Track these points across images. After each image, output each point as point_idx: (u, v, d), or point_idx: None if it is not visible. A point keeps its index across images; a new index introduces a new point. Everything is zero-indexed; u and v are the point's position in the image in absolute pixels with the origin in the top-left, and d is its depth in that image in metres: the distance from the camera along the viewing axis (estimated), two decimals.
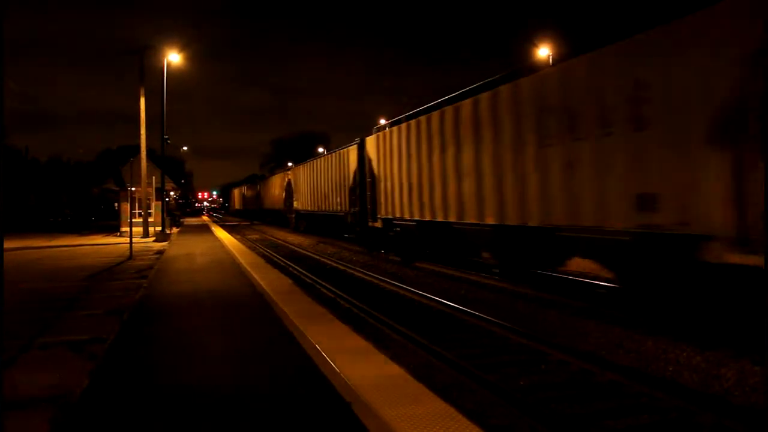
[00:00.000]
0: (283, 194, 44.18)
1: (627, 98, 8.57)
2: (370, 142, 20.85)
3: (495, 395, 6.14)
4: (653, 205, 8.13)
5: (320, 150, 68.69)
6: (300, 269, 18.05)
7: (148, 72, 34.29)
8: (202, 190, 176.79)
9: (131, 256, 18.15)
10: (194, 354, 6.33)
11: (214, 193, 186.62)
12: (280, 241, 31.93)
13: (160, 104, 31.69)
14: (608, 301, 10.51)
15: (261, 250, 25.83)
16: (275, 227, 46.94)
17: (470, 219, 13.26)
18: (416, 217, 16.35)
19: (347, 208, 24.51)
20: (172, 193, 45.68)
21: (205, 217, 78.45)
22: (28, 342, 7.10)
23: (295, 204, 39.18)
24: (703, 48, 7.37)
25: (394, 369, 5.32)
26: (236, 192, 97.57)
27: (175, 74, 73.48)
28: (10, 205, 47.25)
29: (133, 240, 19.59)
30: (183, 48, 30.82)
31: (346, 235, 26.44)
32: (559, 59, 15.28)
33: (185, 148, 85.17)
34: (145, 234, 28.73)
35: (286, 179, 42.87)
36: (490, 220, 12.42)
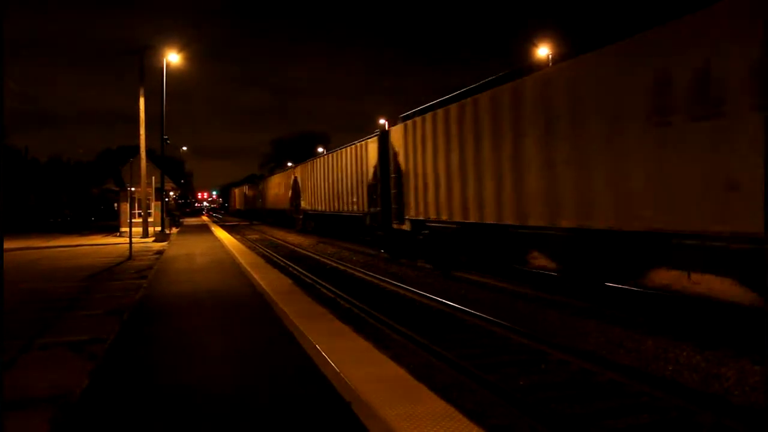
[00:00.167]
0: (289, 193, 41.34)
1: None
2: (396, 132, 18.16)
3: (495, 395, 6.14)
4: None
5: (320, 150, 68.46)
6: (300, 269, 18.05)
7: (148, 72, 34.35)
8: (202, 190, 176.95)
9: (131, 256, 18.15)
10: (194, 354, 6.33)
11: (214, 193, 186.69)
12: (279, 241, 31.92)
13: (160, 104, 31.68)
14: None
15: (261, 250, 25.83)
16: (278, 228, 46.39)
17: (535, 221, 10.97)
18: (457, 219, 13.99)
19: (365, 208, 21.78)
20: (171, 193, 45.66)
21: (204, 218, 78.42)
22: (29, 342, 7.10)
23: (302, 204, 36.47)
24: None
25: (395, 369, 5.32)
26: (237, 192, 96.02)
27: (175, 74, 73.52)
28: (10, 205, 47.24)
29: (133, 240, 19.59)
30: (183, 48, 30.85)
31: (367, 239, 23.23)
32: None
33: (185, 148, 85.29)
34: (145, 234, 28.73)
35: (293, 177, 40.06)
36: (565, 223, 10.15)
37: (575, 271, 10.93)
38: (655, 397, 5.99)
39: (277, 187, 48.91)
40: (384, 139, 19.46)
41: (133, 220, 26.56)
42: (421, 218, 16.21)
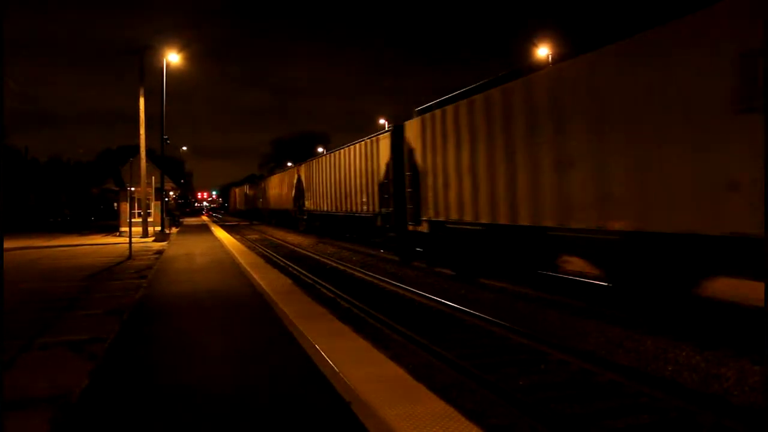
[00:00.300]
0: (292, 193, 39.41)
1: None
2: (412, 127, 16.79)
3: (495, 395, 6.14)
4: None
5: (320, 150, 68.37)
6: (299, 269, 18.05)
7: (148, 72, 34.39)
8: (202, 190, 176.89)
9: (131, 256, 18.15)
10: (194, 354, 6.33)
11: (214, 193, 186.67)
12: (279, 241, 31.93)
13: (160, 104, 31.69)
14: None
15: (260, 250, 25.83)
16: (279, 228, 46.22)
17: (580, 223, 9.77)
18: (483, 220, 12.65)
19: (376, 209, 20.37)
20: (171, 193, 45.64)
21: (204, 217, 78.44)
22: (28, 342, 7.10)
23: (306, 204, 34.79)
24: None
25: (394, 369, 5.33)
26: (237, 191, 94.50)
27: (175, 74, 73.52)
28: (10, 205, 47.25)
29: (133, 240, 19.60)
30: (183, 48, 30.86)
31: (376, 241, 22.11)
32: None
33: (185, 148, 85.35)
34: (145, 234, 28.74)
35: (296, 176, 38.27)
36: (617, 225, 8.99)
37: (627, 279, 9.50)
38: (655, 397, 5.99)
39: (279, 186, 47.18)
40: (398, 134, 18.08)
41: (132, 220, 26.52)
42: (441, 219, 14.86)
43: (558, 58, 11.61)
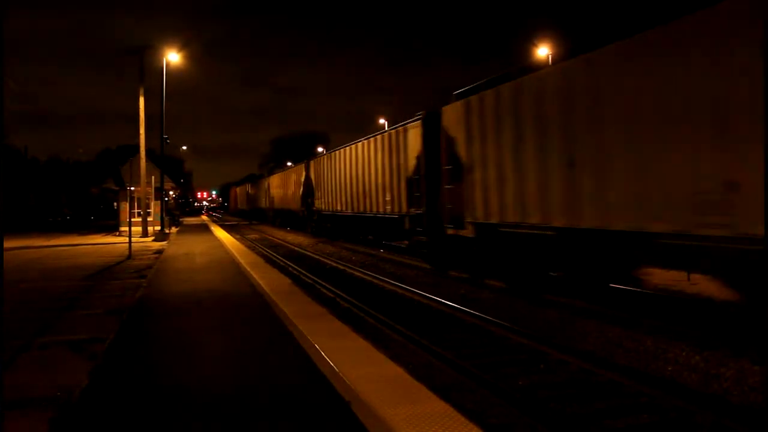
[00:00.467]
0: (300, 191, 36.46)
1: None
2: (453, 112, 14.30)
3: (494, 395, 6.15)
4: None
5: (320, 149, 68.19)
6: (299, 269, 18.05)
7: (148, 72, 34.34)
8: (202, 190, 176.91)
9: (130, 255, 18.15)
10: (194, 354, 6.33)
11: (214, 192, 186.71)
12: (279, 241, 31.93)
13: (160, 104, 31.68)
14: None
15: (260, 249, 25.83)
16: (281, 229, 46.17)
17: (709, 229, 7.30)
18: (556, 223, 10.28)
19: (403, 209, 17.80)
20: (171, 193, 45.62)
21: (204, 217, 78.44)
22: (28, 342, 7.11)
23: (316, 203, 31.83)
24: None
25: (394, 369, 5.33)
26: (238, 191, 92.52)
27: (175, 74, 73.44)
28: (10, 205, 47.24)
29: (132, 239, 19.59)
30: (182, 48, 30.85)
31: (402, 245, 20.28)
32: None
33: (184, 147, 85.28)
34: (144, 233, 28.74)
35: (304, 174, 35.22)
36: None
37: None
38: (655, 397, 6.00)
39: (285, 184, 43.85)
40: (432, 122, 15.51)
41: (132, 220, 26.55)
42: (493, 221, 12.42)
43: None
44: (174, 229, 36.41)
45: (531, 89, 11.08)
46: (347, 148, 25.05)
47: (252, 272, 12.93)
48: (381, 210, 20.45)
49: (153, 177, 28.63)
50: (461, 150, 13.85)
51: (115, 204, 38.30)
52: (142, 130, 28.72)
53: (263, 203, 56.63)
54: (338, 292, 13.08)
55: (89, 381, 5.35)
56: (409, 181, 17.21)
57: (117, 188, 32.71)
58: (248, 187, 75.55)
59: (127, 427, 4.32)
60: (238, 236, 33.49)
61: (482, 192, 12.84)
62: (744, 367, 6.67)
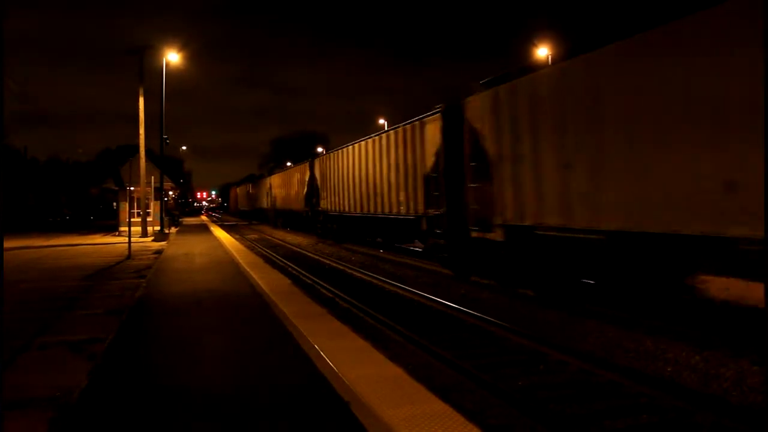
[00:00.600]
0: (304, 191, 34.91)
1: None
2: (479, 104, 13.07)
3: (494, 395, 6.15)
4: None
5: (319, 150, 68.10)
6: (299, 269, 18.05)
7: (148, 72, 34.38)
8: (201, 190, 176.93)
9: (130, 255, 18.16)
10: (193, 354, 6.33)
11: (213, 192, 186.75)
12: (278, 241, 31.93)
13: (159, 104, 31.69)
14: None
15: (260, 249, 25.83)
16: (280, 230, 46.34)
17: None
18: (609, 226, 9.01)
19: (420, 209, 16.53)
20: (170, 193, 45.63)
21: (203, 217, 78.44)
22: (28, 342, 7.11)
23: (321, 203, 30.24)
24: None
25: (393, 369, 5.33)
26: (238, 191, 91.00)
27: (174, 74, 73.39)
28: (9, 205, 47.24)
29: (132, 240, 19.60)
30: (182, 48, 30.82)
31: (417, 249, 19.58)
32: None
33: (184, 147, 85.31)
34: (144, 234, 28.74)
35: (308, 172, 33.65)
36: None
37: None
38: (654, 397, 6.00)
39: (287, 184, 42.00)
40: (453, 115, 14.26)
41: (132, 220, 26.55)
42: (528, 224, 11.09)
43: None
44: (173, 230, 36.41)
45: (578, 74, 9.75)
46: (356, 145, 23.53)
47: (251, 272, 12.93)
48: (394, 211, 19.00)
49: (153, 177, 28.66)
50: (489, 144, 12.50)
51: (115, 204, 38.31)
52: (141, 131, 28.72)
53: (264, 203, 55.20)
54: (337, 292, 13.08)
55: (88, 381, 5.35)
56: (427, 180, 15.91)
57: (117, 188, 32.70)
58: (249, 187, 74.17)
59: (126, 427, 4.32)
60: (237, 236, 33.49)
61: (515, 191, 11.47)
62: (744, 367, 6.67)
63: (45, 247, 23.75)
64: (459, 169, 14.01)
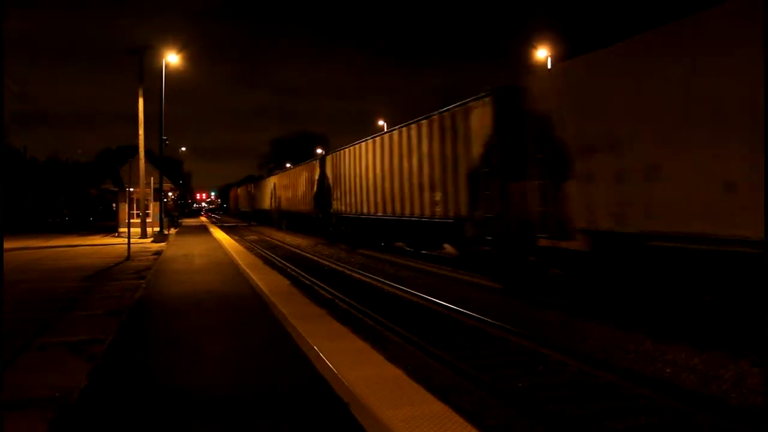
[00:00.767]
0: (312, 191, 32.32)
1: None
2: (550, 82, 10.96)
3: (493, 396, 6.15)
4: None
5: (318, 151, 67.88)
6: (298, 270, 18.05)
7: (148, 72, 34.49)
8: (200, 191, 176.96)
9: (129, 256, 18.16)
10: (193, 355, 6.33)
11: (212, 193, 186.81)
12: (277, 243, 31.93)
13: (159, 105, 31.68)
14: None
15: (259, 251, 25.82)
16: (278, 230, 46.30)
17: None
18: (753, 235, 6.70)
19: (463, 211, 14.16)
20: (170, 194, 45.62)
21: (203, 218, 78.45)
22: (28, 342, 7.11)
23: (334, 204, 27.58)
24: None
25: (392, 370, 5.34)
26: (239, 191, 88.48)
27: (174, 74, 73.45)
28: (9, 205, 47.22)
29: (131, 241, 19.59)
30: (182, 48, 30.86)
31: (450, 256, 17.44)
32: None
33: (183, 148, 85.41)
34: (143, 235, 28.74)
35: (318, 171, 31.10)
36: None
37: None
38: (654, 398, 6.01)
39: (293, 184, 39.09)
40: (509, 98, 12.24)
41: (131, 221, 26.56)
42: (632, 230, 8.62)
43: None
44: (173, 231, 36.40)
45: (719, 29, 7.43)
46: (377, 138, 21.12)
47: (251, 273, 12.93)
48: (426, 213, 16.34)
49: (152, 178, 28.66)
50: (566, 132, 10.19)
51: (114, 205, 38.30)
52: (141, 131, 28.72)
53: (267, 204, 52.43)
54: (336, 293, 13.09)
55: (88, 382, 5.35)
56: (473, 176, 13.52)
57: (116, 189, 32.74)
58: (250, 188, 71.72)
59: (126, 427, 4.32)
60: (237, 237, 33.49)
61: (610, 188, 9.10)
62: (743, 368, 6.68)
63: (44, 248, 23.74)
64: (518, 163, 11.59)
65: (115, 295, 10.82)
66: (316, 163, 32.13)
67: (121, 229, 30.67)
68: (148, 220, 30.48)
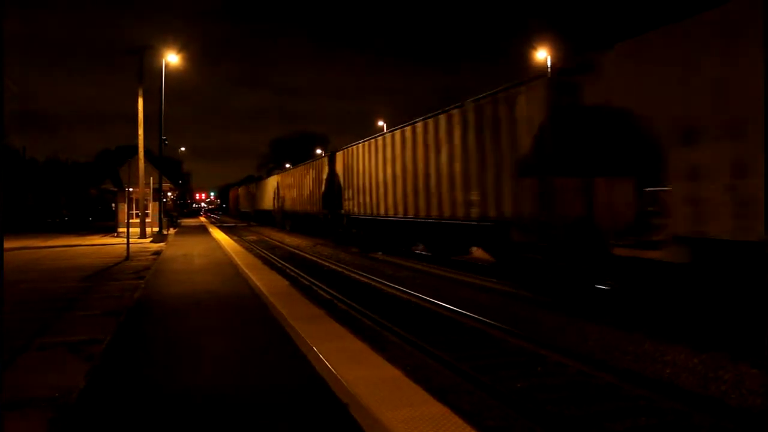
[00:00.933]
0: (320, 190, 30.45)
1: None
2: (625, 56, 9.16)
3: (492, 397, 6.15)
4: None
5: (318, 151, 67.70)
6: (297, 271, 18.05)
7: (148, 73, 34.48)
8: (200, 191, 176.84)
9: (128, 256, 18.14)
10: (192, 355, 6.33)
11: (212, 194, 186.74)
12: (277, 243, 31.91)
13: (159, 105, 31.67)
14: None
15: (258, 251, 25.81)
16: (276, 230, 46.29)
17: None
18: None
19: (507, 212, 12.50)
20: (169, 194, 45.59)
21: (202, 218, 78.40)
22: (28, 342, 7.11)
23: (345, 205, 25.57)
24: None
25: (392, 371, 5.33)
26: (239, 191, 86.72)
27: (174, 75, 73.46)
28: (9, 205, 47.19)
29: (131, 241, 19.58)
30: (182, 48, 30.88)
31: (482, 263, 16.21)
32: None
33: (183, 148, 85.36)
34: (143, 235, 28.73)
35: (326, 169, 29.19)
36: None
37: None
38: (653, 399, 6.01)
39: (299, 183, 37.04)
40: (564, 81, 10.76)
41: (130, 221, 26.53)
42: (752, 239, 7.02)
43: None
44: (172, 231, 36.38)
45: None
46: (396, 132, 19.09)
47: (250, 274, 12.93)
48: (459, 214, 14.59)
49: (151, 178, 28.62)
50: (653, 118, 8.51)
51: (114, 205, 38.29)
52: (140, 131, 28.71)
53: (270, 204, 50.24)
54: (336, 294, 13.08)
55: (87, 382, 5.35)
56: (522, 172, 12.00)
57: (115, 189, 32.72)
58: (251, 188, 69.67)
59: (126, 427, 4.32)
60: (236, 238, 33.47)
61: (732, 180, 7.21)
62: (743, 370, 6.69)
63: (44, 248, 23.73)
64: (581, 157, 10.15)
65: (115, 295, 10.81)
66: (325, 161, 30.01)
67: (121, 229, 30.65)
68: (148, 220, 30.47)
